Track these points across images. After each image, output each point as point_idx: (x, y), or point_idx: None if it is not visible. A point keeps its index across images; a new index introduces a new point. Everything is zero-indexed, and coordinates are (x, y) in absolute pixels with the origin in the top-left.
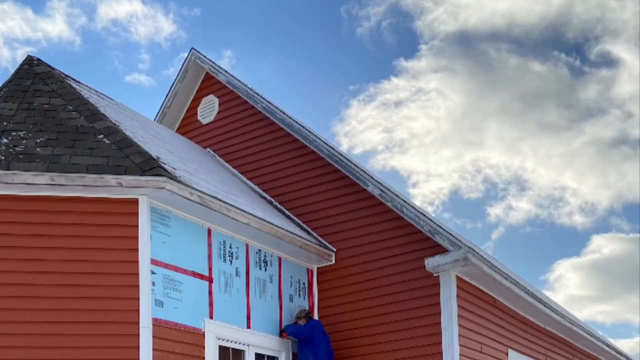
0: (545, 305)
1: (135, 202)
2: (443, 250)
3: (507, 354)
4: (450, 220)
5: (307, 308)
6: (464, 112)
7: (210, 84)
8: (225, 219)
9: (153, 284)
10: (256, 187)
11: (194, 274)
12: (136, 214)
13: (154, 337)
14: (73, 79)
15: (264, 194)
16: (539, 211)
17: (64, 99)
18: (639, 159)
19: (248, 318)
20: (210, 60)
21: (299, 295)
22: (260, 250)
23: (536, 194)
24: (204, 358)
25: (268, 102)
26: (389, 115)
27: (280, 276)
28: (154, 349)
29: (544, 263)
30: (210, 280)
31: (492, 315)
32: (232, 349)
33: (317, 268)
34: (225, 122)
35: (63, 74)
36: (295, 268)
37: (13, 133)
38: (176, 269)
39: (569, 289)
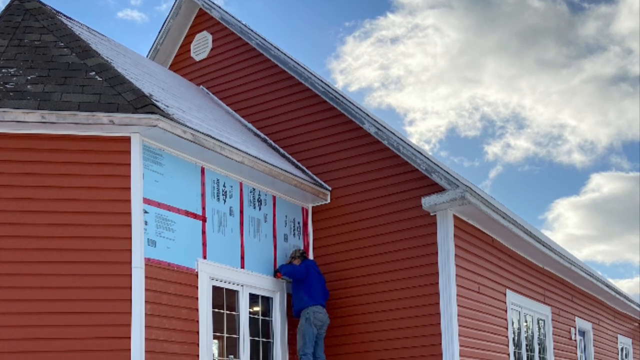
0: (543, 245)
1: (127, 140)
2: (440, 189)
3: (505, 294)
4: (447, 158)
5: (302, 248)
6: (461, 49)
7: (204, 20)
8: (218, 157)
9: (145, 223)
10: (250, 125)
11: (187, 213)
12: (128, 152)
13: (146, 277)
14: (64, 15)
15: (258, 132)
16: (538, 149)
17: (55, 36)
18: (639, 96)
19: (242, 258)
20: None
21: (294, 234)
22: (254, 189)
23: (535, 132)
24: (197, 298)
25: (262, 38)
26: (385, 52)
27: (274, 215)
28: (146, 290)
29: (542, 202)
30: (204, 220)
31: (490, 255)
32: (226, 289)
33: (312, 207)
34: (219, 59)
35: (54, 10)
36: (290, 207)
37: (3, 70)
38: (169, 208)
39: (568, 229)
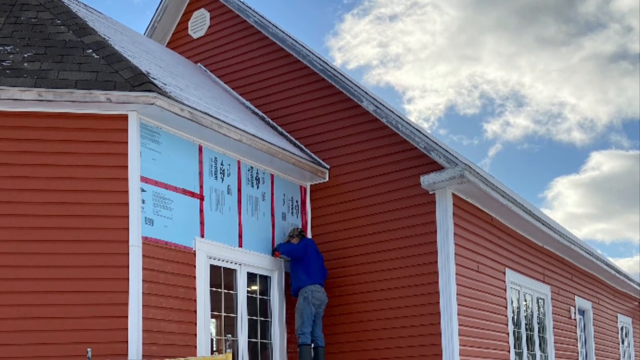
0: (543, 224)
1: (124, 118)
2: (439, 168)
3: (504, 273)
4: (446, 136)
5: (300, 226)
6: (460, 27)
7: None
8: (216, 136)
9: (143, 201)
10: (248, 103)
11: (185, 192)
12: (125, 130)
13: (143, 256)
14: None
15: (256, 110)
16: (537, 127)
17: (52, 13)
18: (638, 74)
19: (240, 237)
20: None
21: (292, 213)
22: (252, 168)
23: (534, 110)
24: (194, 277)
25: (260, 16)
26: (384, 30)
27: (272, 194)
28: (143, 268)
29: (542, 180)
30: (202, 198)
31: (489, 233)
32: (224, 268)
33: (311, 185)
34: (217, 36)
35: None
36: (288, 185)
37: (0, 48)
38: (166, 187)
39: (568, 207)
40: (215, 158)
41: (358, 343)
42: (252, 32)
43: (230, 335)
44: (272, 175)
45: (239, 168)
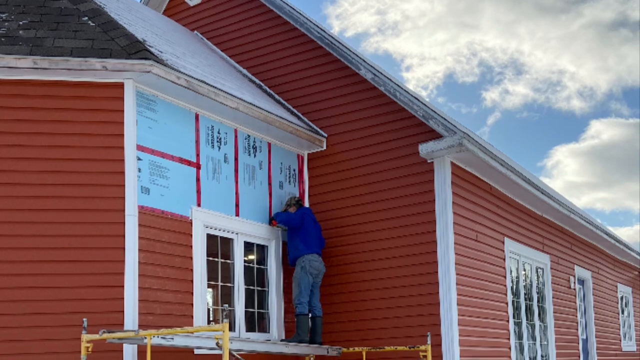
0: (542, 193)
1: (120, 86)
2: (437, 136)
3: (503, 242)
4: (445, 104)
5: (297, 195)
6: None
7: None
8: (213, 104)
9: (139, 170)
10: (245, 71)
11: (181, 160)
12: (121, 99)
13: (139, 225)
14: None
15: (253, 78)
16: (536, 95)
17: None
18: (639, 42)
19: (237, 205)
20: None
21: (289, 182)
22: (249, 136)
23: (533, 78)
24: (191, 247)
25: None
26: None
27: (269, 162)
28: (140, 238)
29: (541, 149)
30: (198, 167)
31: (488, 202)
32: (221, 237)
33: (308, 154)
34: (214, 3)
35: None
36: (285, 154)
37: None
38: (163, 155)
39: (567, 176)
40: (212, 126)
41: (356, 313)
42: None
43: (227, 305)
44: (269, 144)
45: (235, 136)
